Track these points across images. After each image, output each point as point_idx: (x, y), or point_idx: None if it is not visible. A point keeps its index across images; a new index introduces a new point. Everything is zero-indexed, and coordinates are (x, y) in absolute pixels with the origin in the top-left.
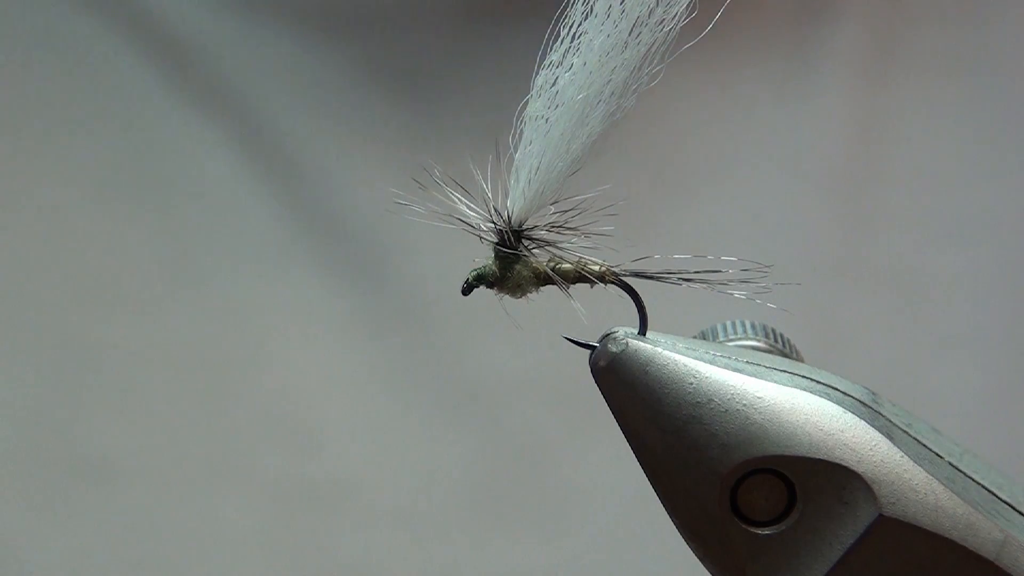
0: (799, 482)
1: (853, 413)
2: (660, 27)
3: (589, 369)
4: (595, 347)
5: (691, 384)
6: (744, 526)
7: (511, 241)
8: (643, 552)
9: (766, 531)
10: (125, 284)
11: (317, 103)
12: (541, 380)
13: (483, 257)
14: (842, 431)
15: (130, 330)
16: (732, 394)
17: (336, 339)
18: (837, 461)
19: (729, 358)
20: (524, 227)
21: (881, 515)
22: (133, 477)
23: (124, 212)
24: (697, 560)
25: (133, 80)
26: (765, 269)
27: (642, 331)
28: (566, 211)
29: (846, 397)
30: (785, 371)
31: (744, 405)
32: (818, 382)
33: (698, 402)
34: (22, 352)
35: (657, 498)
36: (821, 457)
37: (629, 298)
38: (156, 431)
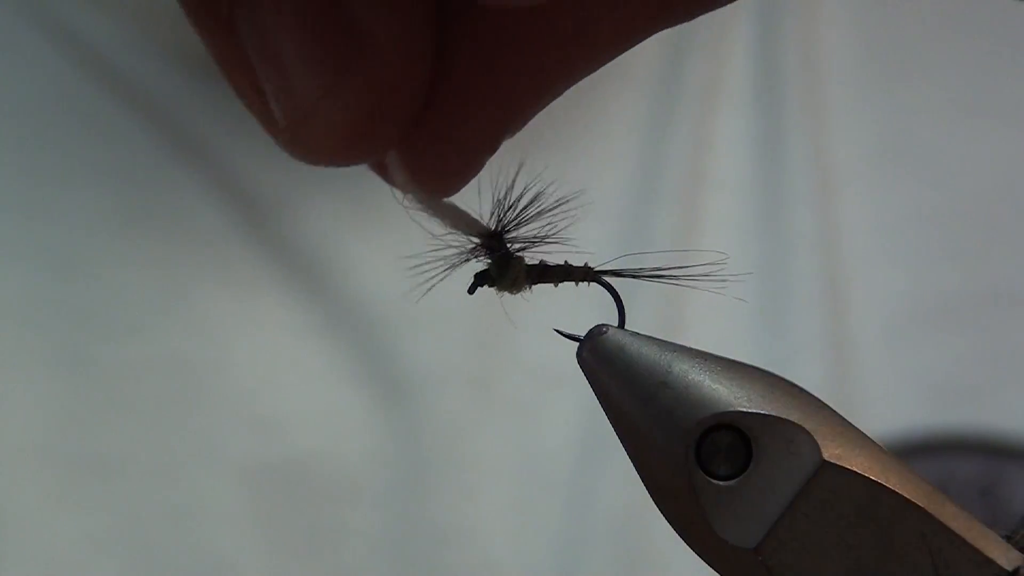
0: (754, 437)
1: (800, 388)
2: None
3: (575, 356)
4: (580, 339)
5: (661, 357)
6: (708, 479)
7: (499, 244)
8: (538, 509)
9: (728, 483)
10: (119, 309)
11: (278, 152)
12: (458, 372)
13: (476, 263)
14: (791, 396)
15: (125, 347)
16: (696, 364)
17: (293, 346)
18: (786, 417)
19: (693, 347)
20: (507, 231)
21: (824, 461)
22: (129, 469)
23: (119, 250)
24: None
25: (127, 136)
26: (720, 262)
27: (621, 324)
28: (543, 215)
29: (792, 383)
30: (741, 362)
31: (707, 373)
32: (768, 372)
33: (668, 371)
34: (42, 370)
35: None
36: (772, 413)
37: (610, 296)
38: (147, 429)
